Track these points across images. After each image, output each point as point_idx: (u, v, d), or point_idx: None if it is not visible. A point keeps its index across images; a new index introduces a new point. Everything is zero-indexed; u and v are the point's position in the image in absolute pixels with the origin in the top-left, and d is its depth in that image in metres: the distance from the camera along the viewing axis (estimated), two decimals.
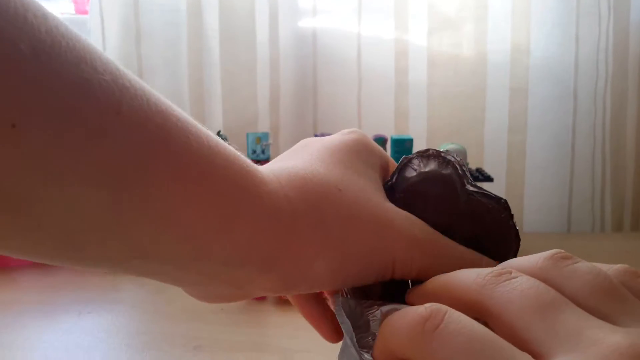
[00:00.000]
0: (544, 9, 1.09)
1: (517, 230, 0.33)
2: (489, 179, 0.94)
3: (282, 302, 0.75)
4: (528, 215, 1.15)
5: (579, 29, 1.09)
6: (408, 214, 0.31)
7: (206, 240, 0.25)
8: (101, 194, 0.21)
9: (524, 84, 1.11)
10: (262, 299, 0.76)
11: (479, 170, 0.99)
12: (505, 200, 0.32)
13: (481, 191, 0.32)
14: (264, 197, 0.26)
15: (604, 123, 1.12)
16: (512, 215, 0.32)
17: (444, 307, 0.20)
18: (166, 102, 0.24)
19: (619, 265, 0.22)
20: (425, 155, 0.33)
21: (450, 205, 0.32)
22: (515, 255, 0.33)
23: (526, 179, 1.15)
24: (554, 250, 0.23)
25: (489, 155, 1.13)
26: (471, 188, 0.32)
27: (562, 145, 1.13)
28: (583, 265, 0.22)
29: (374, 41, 1.11)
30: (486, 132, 1.13)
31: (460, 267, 0.28)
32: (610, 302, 0.20)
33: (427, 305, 0.21)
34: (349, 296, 0.31)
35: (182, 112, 0.25)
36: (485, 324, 0.21)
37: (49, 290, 0.81)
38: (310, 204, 0.28)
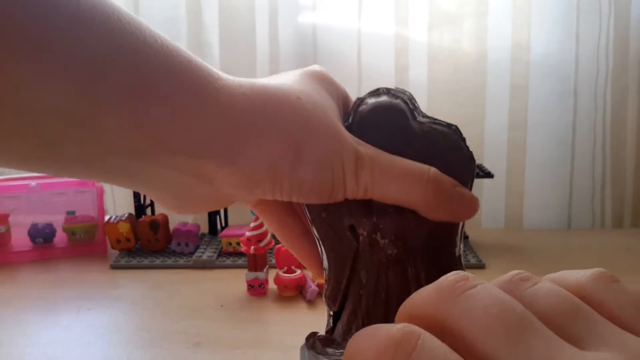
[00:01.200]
0: (545, 6, 1.09)
1: (472, 152, 0.34)
2: (489, 175, 0.94)
3: (282, 299, 0.75)
4: (528, 212, 1.15)
5: (579, 26, 1.09)
6: (356, 138, 0.32)
7: (168, 133, 0.27)
8: (72, 87, 0.23)
9: (525, 80, 1.11)
10: (262, 295, 0.76)
11: (479, 167, 0.99)
12: (457, 126, 0.34)
13: (432, 119, 0.34)
14: (220, 92, 0.28)
15: (604, 120, 1.12)
16: (464, 139, 0.34)
17: (417, 329, 0.18)
18: (117, 4, 0.26)
19: (593, 269, 0.21)
20: (376, 93, 0.34)
21: (402, 132, 0.33)
22: (472, 178, 0.34)
23: (526, 175, 1.15)
24: (512, 272, 0.21)
25: (489, 151, 1.13)
26: (423, 119, 0.34)
27: (563, 142, 1.13)
28: (544, 286, 0.20)
29: (374, 37, 1.10)
30: (486, 129, 1.13)
31: (407, 179, 0.31)
32: (576, 323, 0.18)
33: (400, 326, 0.18)
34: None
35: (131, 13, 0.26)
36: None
37: (48, 287, 0.81)
38: (269, 105, 0.30)
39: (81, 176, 0.29)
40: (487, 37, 1.10)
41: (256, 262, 0.76)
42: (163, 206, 0.33)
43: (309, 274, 0.77)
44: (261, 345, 0.64)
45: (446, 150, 0.33)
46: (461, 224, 0.34)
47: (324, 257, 0.34)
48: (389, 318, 0.32)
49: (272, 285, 0.78)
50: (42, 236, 0.93)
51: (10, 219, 0.93)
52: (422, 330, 0.18)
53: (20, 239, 0.94)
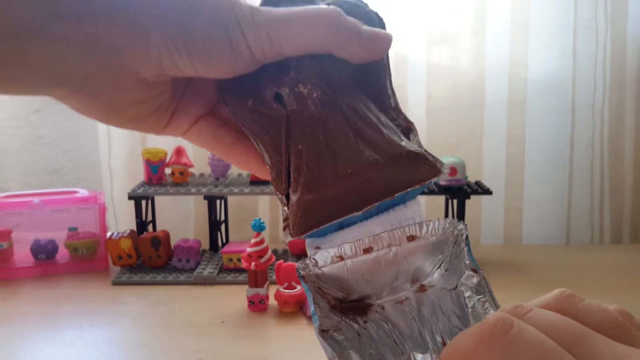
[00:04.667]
0: (542, 23, 1.10)
1: (378, 13, 0.34)
2: (487, 191, 0.95)
3: (283, 315, 0.76)
4: (527, 228, 1.16)
5: (576, 43, 1.10)
6: None
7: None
8: None
9: (522, 97, 1.12)
10: (262, 311, 0.77)
11: (477, 183, 0.99)
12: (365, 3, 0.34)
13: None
14: None
15: (602, 135, 1.13)
16: (370, 9, 0.34)
17: (511, 317, 0.20)
18: None
19: (613, 307, 0.22)
20: None
21: (305, 2, 0.33)
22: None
23: (525, 191, 1.15)
24: (559, 290, 0.23)
25: (488, 167, 1.14)
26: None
27: (561, 157, 1.14)
28: (593, 302, 0.22)
29: None
30: (485, 145, 1.14)
31: (308, 16, 0.30)
32: (628, 338, 0.20)
33: (494, 315, 0.20)
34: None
35: None
36: None
37: (50, 303, 0.81)
38: None
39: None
40: (485, 54, 1.11)
41: (257, 278, 0.77)
42: (74, 107, 0.32)
43: None
44: None
45: (351, 12, 0.33)
46: (388, 76, 0.34)
47: (264, 153, 0.34)
48: (336, 157, 0.31)
49: (272, 302, 0.78)
50: (44, 252, 0.94)
51: (12, 235, 0.94)
52: (515, 318, 0.20)
53: (22, 255, 0.94)
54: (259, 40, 0.30)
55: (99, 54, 0.29)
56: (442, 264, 0.31)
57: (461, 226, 0.31)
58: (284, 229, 0.33)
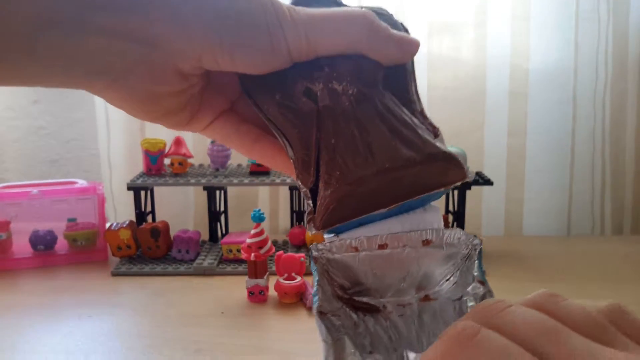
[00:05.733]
0: (544, 14, 1.09)
1: (402, 23, 0.35)
2: (488, 182, 0.95)
3: (283, 306, 0.76)
4: (528, 219, 1.16)
5: (578, 34, 1.09)
6: None
7: None
8: None
9: (524, 88, 1.11)
10: (262, 302, 0.76)
11: (478, 174, 0.99)
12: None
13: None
14: None
15: (603, 126, 1.12)
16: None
17: (478, 325, 0.20)
18: None
19: (607, 303, 0.22)
20: None
21: (333, 4, 0.34)
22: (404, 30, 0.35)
23: (526, 182, 1.15)
24: (543, 290, 0.23)
25: (489, 158, 1.13)
26: None
27: (562, 148, 1.14)
28: (574, 302, 0.22)
29: None
30: (486, 136, 1.13)
31: (343, 17, 0.31)
32: (605, 336, 0.21)
33: (461, 322, 0.21)
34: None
35: None
36: None
37: (49, 293, 0.81)
38: None
39: (15, 65, 0.28)
40: (487, 45, 1.10)
41: (256, 269, 0.77)
42: (111, 99, 0.32)
43: (309, 281, 0.77)
44: (261, 351, 0.64)
45: (380, 19, 0.33)
46: (413, 81, 0.36)
47: (288, 148, 0.34)
48: (373, 152, 0.31)
49: (272, 292, 0.78)
50: (43, 243, 0.94)
51: (11, 225, 0.94)
52: (481, 326, 0.20)
53: (21, 246, 0.94)
54: (297, 40, 0.30)
55: (139, 44, 0.29)
56: (452, 277, 0.32)
57: (476, 241, 0.32)
58: (309, 222, 0.33)
